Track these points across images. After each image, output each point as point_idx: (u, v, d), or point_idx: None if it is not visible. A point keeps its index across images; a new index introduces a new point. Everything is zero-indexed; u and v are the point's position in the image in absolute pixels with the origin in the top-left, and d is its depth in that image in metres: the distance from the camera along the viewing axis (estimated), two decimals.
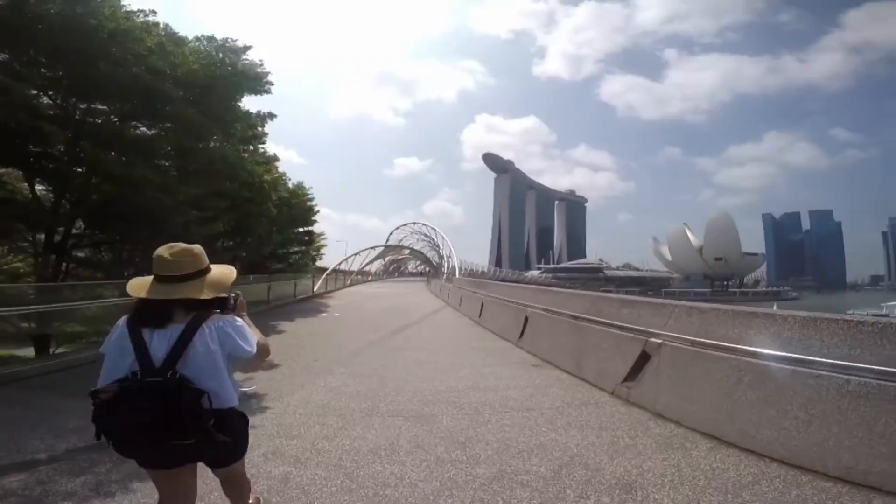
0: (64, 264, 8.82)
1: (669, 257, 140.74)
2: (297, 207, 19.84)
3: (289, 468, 3.08)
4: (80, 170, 8.11)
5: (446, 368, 6.41)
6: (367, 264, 61.14)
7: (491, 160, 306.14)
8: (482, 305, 11.71)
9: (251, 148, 13.83)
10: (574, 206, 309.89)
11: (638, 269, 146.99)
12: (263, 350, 1.89)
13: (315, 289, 22.56)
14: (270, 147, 17.59)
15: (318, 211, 22.11)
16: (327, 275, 29.95)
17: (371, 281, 48.58)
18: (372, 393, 5.04)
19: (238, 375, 5.36)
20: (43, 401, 4.68)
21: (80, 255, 9.74)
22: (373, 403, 4.66)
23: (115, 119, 8.28)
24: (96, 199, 8.33)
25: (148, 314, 1.69)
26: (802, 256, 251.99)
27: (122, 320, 1.72)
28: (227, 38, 9.49)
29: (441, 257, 67.55)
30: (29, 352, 8.12)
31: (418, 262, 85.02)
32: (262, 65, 9.89)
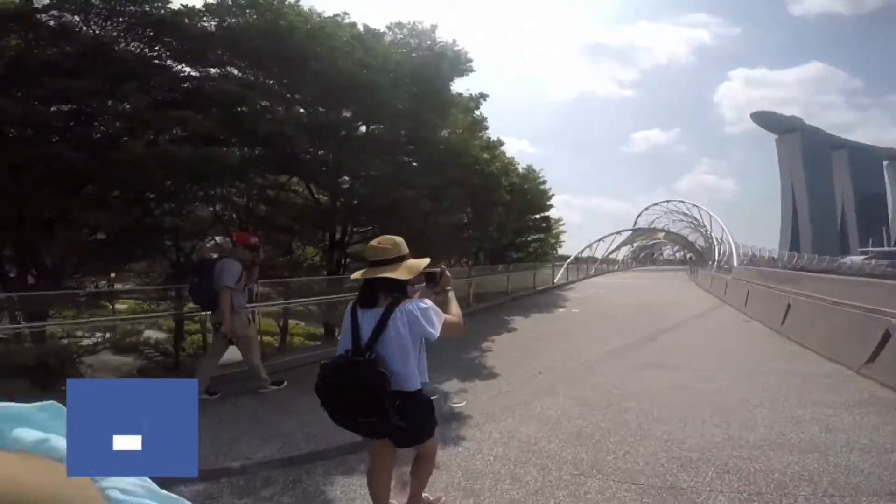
0: (343, 259, 10.58)
1: None
2: (531, 192, 18.93)
3: None
4: (343, 176, 9.44)
5: (727, 402, 4.23)
6: (612, 251, 56.82)
7: (765, 119, 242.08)
8: (788, 308, 8.05)
9: (475, 135, 13.53)
10: None
11: None
12: (454, 327, 2.03)
13: (555, 280, 21.70)
14: (495, 135, 17.80)
15: (552, 195, 20.91)
16: (568, 264, 28.73)
17: (617, 270, 44.27)
18: (600, 435, 3.56)
19: (453, 384, 4.85)
20: (289, 397, 4.45)
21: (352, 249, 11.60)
22: (595, 454, 3.20)
23: (359, 123, 9.21)
24: (357, 200, 9.54)
25: (361, 296, 2.00)
26: None
27: (350, 303, 2.05)
28: (412, 21, 9.35)
29: (709, 240, 56.21)
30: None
31: (676, 248, 73.13)
32: (455, 43, 9.50)
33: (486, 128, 14.20)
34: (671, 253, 77.99)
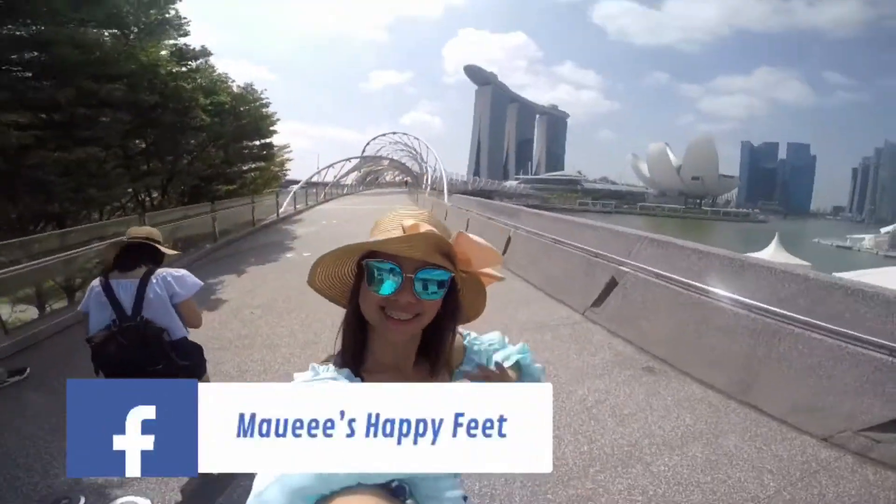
0: None
1: (647, 173, 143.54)
2: (248, 115, 15.44)
3: None
4: None
5: None
6: (342, 176, 56.91)
7: (473, 72, 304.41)
8: (508, 241, 8.68)
9: (159, 39, 10.08)
10: (555, 120, 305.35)
11: (615, 183, 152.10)
12: (194, 315, 2.36)
13: (281, 211, 18.81)
14: (235, 61, 13.79)
15: (277, 120, 17.51)
16: (296, 190, 26.10)
17: (347, 195, 44.18)
18: None
19: None
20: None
21: None
22: None
23: None
24: None
25: (119, 263, 2.21)
26: (773, 183, 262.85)
27: (96, 282, 2.17)
28: None
29: (423, 168, 63.80)
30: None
31: (397, 173, 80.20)
32: None
33: (186, 33, 10.69)
34: (393, 177, 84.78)
